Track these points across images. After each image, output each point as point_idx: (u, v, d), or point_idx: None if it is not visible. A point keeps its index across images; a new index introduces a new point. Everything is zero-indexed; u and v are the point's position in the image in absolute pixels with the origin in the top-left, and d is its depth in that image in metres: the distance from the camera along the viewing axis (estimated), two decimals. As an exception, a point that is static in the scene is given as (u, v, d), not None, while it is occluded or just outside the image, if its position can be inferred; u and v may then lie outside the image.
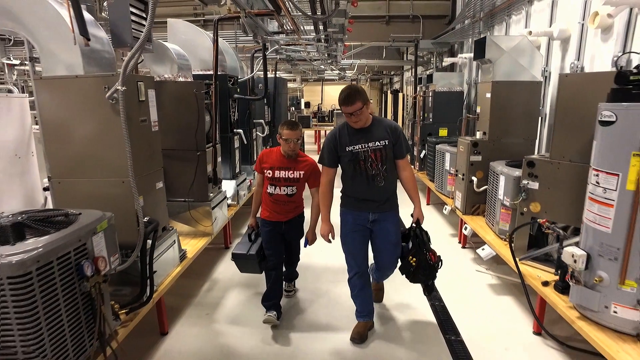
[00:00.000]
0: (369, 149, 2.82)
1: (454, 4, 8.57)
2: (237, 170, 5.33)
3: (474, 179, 4.58)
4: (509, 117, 4.46)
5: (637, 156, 2.16)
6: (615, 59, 3.07)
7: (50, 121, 2.62)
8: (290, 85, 16.15)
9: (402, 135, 2.91)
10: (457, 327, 3.30)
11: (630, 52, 2.91)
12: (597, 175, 2.42)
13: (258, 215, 3.44)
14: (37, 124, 3.11)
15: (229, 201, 4.96)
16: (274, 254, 3.31)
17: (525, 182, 3.36)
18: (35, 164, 3.59)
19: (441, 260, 3.05)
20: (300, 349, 3.04)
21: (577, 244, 2.63)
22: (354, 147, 2.84)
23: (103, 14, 2.80)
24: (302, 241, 3.40)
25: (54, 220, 2.11)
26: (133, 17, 2.80)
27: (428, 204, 6.96)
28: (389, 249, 3.03)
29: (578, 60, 4.26)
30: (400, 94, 13.48)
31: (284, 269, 3.51)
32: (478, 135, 4.70)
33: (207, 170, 4.08)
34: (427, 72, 9.13)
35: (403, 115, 12.72)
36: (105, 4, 2.82)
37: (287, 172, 3.21)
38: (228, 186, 4.97)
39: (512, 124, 4.48)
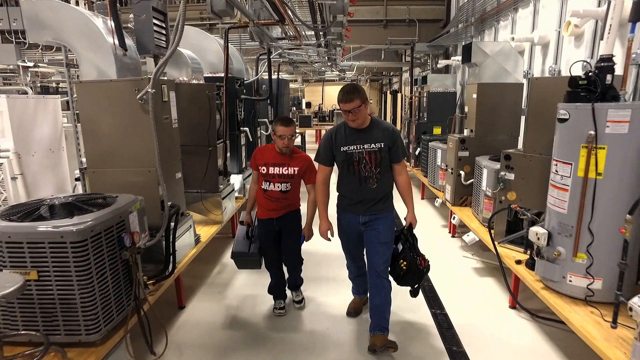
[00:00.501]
0: (364, 150, 2.80)
1: (449, 8, 8.98)
2: (244, 165, 5.75)
3: (462, 172, 4.99)
4: (494, 116, 4.86)
5: (585, 148, 2.57)
6: (551, 66, 3.45)
7: (87, 119, 3.04)
8: (291, 85, 16.56)
9: (399, 139, 2.88)
10: (442, 303, 3.71)
11: (582, 61, 3.31)
12: (556, 165, 2.84)
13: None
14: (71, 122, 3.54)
15: (236, 194, 5.38)
16: (271, 254, 3.40)
17: (502, 173, 3.77)
18: (65, 158, 4.04)
19: (429, 266, 3.01)
20: (305, 318, 3.46)
21: (542, 226, 3.05)
22: (348, 148, 2.82)
23: (130, 25, 3.20)
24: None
25: (95, 202, 2.53)
26: (155, 28, 3.22)
27: (422, 198, 7.38)
28: (377, 249, 2.93)
29: (555, 64, 4.67)
30: (399, 94, 13.90)
31: (285, 272, 3.59)
32: (466, 132, 5.11)
33: (218, 164, 4.49)
34: (424, 74, 9.54)
35: (401, 114, 13.13)
36: (130, 16, 3.24)
37: (281, 168, 3.21)
38: (235, 180, 5.39)
39: (496, 122, 4.88)
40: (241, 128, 5.55)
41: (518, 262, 3.44)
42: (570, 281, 2.79)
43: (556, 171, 2.84)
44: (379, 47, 9.23)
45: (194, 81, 4.38)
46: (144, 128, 2.97)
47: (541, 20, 5.12)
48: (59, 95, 3.91)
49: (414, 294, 3.07)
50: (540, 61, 5.14)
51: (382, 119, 21.97)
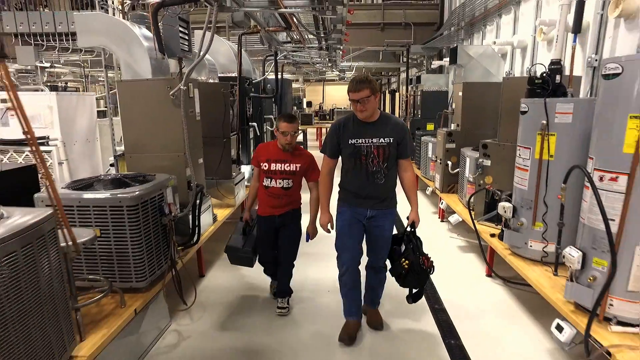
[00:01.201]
0: (372, 144, 2.75)
1: (442, 12, 9.55)
2: (252, 156, 6.33)
3: (449, 163, 5.55)
4: (478, 112, 5.42)
5: (539, 135, 3.13)
6: (528, 68, 4.00)
7: (126, 112, 3.60)
8: (293, 85, 17.14)
9: (408, 135, 2.84)
10: (430, 277, 4.25)
11: (537, 64, 3.86)
12: (520, 150, 3.40)
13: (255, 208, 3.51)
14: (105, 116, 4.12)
15: (246, 182, 5.95)
16: (267, 252, 3.44)
17: (480, 160, 4.34)
18: (99, 147, 4.61)
19: (434, 267, 2.91)
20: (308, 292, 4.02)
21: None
22: (357, 141, 2.76)
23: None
24: (304, 236, 3.32)
25: (138, 179, 3.10)
26: (180, 34, 3.79)
27: (417, 188, 7.94)
28: (380, 244, 2.95)
29: (532, 65, 5.24)
30: (397, 94, 14.50)
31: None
32: (453, 126, 5.68)
33: (231, 154, 5.06)
34: (419, 74, 10.11)
35: (399, 112, 13.73)
36: (160, 24, 3.80)
37: (283, 164, 3.20)
38: (245, 169, 5.96)
39: (480, 117, 5.44)
40: (250, 123, 6.12)
41: (492, 235, 4.00)
42: (530, 246, 3.35)
43: (519, 155, 3.41)
44: (376, 49, 9.80)
45: (211, 80, 4.94)
46: (174, 120, 3.54)
47: (520, 26, 5.70)
48: (94, 93, 4.48)
49: (416, 298, 2.96)
50: (520, 62, 5.71)
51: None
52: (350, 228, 2.93)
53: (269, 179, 3.25)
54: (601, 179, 2.36)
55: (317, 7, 3.24)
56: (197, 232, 3.69)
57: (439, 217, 6.09)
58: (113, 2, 4.13)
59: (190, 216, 3.62)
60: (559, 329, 2.58)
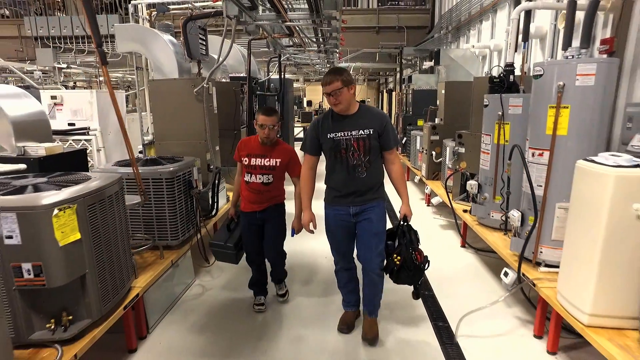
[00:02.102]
0: (351, 137, 2.68)
1: (433, 17, 10.26)
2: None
3: (433, 153, 6.27)
4: (458, 107, 6.11)
5: (497, 124, 3.84)
6: (490, 69, 4.69)
7: (156, 105, 4.31)
8: (294, 85, 17.85)
9: (389, 125, 2.75)
10: (411, 245, 4.98)
11: (505, 65, 4.56)
12: (483, 137, 4.12)
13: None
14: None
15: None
16: (252, 248, 3.36)
17: (456, 148, 5.05)
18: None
19: (428, 261, 2.87)
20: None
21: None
22: (335, 135, 2.70)
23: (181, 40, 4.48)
24: (289, 232, 3.24)
25: (169, 160, 3.81)
26: (200, 41, 4.51)
27: (408, 179, 8.67)
28: (370, 242, 2.82)
29: (492, 67, 5.95)
30: (394, 93, 15.20)
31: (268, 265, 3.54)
32: (437, 121, 6.39)
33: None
34: (411, 74, 10.82)
35: (395, 110, 14.44)
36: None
37: (262, 159, 3.15)
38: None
39: (459, 112, 6.13)
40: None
41: (465, 211, 4.72)
42: (492, 216, 4.06)
43: (483, 141, 4.12)
44: (372, 50, 10.52)
45: (223, 80, 5.66)
46: (196, 112, 4.25)
47: (497, 31, 6.41)
48: (124, 90, 5.20)
49: (415, 295, 2.94)
50: (496, 64, 6.42)
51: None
52: (336, 230, 2.89)
53: (250, 174, 3.20)
54: (533, 154, 3.08)
55: (315, 19, 3.94)
56: (215, 206, 4.40)
57: (426, 202, 6.81)
58: (143, 13, 4.84)
59: (210, 193, 4.34)
60: (505, 274, 3.29)
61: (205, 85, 4.02)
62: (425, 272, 2.89)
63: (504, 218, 3.91)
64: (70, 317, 2.23)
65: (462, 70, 6.19)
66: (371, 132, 2.69)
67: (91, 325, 2.33)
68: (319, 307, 3.55)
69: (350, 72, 15.58)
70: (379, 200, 2.84)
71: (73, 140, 4.60)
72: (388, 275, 2.89)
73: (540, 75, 2.94)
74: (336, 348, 2.97)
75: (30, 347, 2.12)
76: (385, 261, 2.88)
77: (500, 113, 3.78)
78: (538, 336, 3.03)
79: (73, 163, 3.64)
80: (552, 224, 2.98)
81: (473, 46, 6.31)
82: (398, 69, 11.85)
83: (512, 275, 3.22)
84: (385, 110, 17.52)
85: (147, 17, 4.83)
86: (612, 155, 2.29)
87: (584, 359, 2.76)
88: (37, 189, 2.18)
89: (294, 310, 3.52)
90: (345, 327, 3.09)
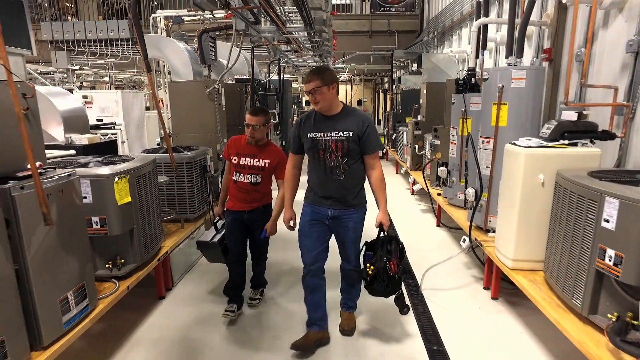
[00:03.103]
0: (330, 138, 2.64)
1: (422, 22, 11.02)
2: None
3: (417, 146, 7.02)
4: (437, 105, 6.87)
5: (461, 118, 4.59)
6: (463, 71, 5.40)
7: (175, 103, 5.07)
8: (293, 85, 18.61)
9: (371, 129, 2.68)
10: (396, 229, 5.72)
11: (467, 69, 5.29)
12: (452, 130, 4.87)
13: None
14: (147, 109, 5.59)
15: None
16: (235, 246, 3.29)
17: (432, 140, 5.81)
18: (146, 132, 6.08)
19: (406, 273, 2.85)
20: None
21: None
22: (315, 135, 2.68)
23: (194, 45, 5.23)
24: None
25: (187, 148, 4.56)
26: (210, 48, 5.26)
27: (397, 172, 9.44)
28: (347, 245, 2.83)
29: (459, 71, 6.67)
30: (388, 93, 15.97)
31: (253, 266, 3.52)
32: (420, 117, 7.15)
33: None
34: (403, 75, 11.58)
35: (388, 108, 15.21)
36: (195, 40, 5.27)
37: (252, 159, 3.15)
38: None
39: (439, 110, 6.88)
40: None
41: (438, 194, 5.47)
42: (458, 197, 4.82)
43: (451, 133, 4.88)
44: (365, 53, 11.27)
45: (229, 81, 6.41)
46: (208, 109, 5.01)
47: (474, 37, 7.14)
48: (144, 90, 5.94)
49: (401, 310, 2.84)
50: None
51: (376, 114, 24.10)
52: (310, 228, 2.82)
53: (238, 174, 3.20)
54: (482, 142, 3.83)
55: (309, 31, 4.68)
56: (224, 190, 5.15)
57: (410, 192, 7.57)
58: (161, 24, 5.59)
59: (220, 178, 5.08)
60: (463, 241, 4.04)
61: (216, 86, 4.77)
62: (404, 250, 2.83)
63: (465, 197, 4.67)
64: (122, 261, 2.98)
65: (443, 73, 6.93)
66: (350, 135, 2.64)
67: (136, 268, 3.08)
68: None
69: (346, 72, 16.44)
70: (358, 208, 2.81)
71: (101, 133, 5.35)
72: (364, 285, 2.85)
73: (487, 79, 3.69)
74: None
75: (96, 281, 2.87)
76: (362, 265, 2.85)
77: (463, 109, 4.53)
78: (486, 287, 3.78)
79: (107, 150, 4.39)
80: (497, 197, 3.74)
81: (452, 51, 7.05)
82: (394, 70, 12.60)
83: (467, 241, 3.98)
84: (381, 109, 18.28)
85: (165, 27, 5.58)
86: (528, 139, 3.04)
87: (516, 301, 3.52)
88: (98, 165, 2.94)
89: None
90: (300, 346, 2.80)
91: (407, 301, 2.98)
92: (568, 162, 2.82)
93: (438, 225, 5.67)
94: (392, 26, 11.14)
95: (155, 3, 11.22)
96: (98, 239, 2.86)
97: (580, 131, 2.94)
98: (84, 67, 11.93)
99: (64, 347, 2.25)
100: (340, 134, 2.65)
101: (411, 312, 3.43)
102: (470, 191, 3.99)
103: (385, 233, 2.82)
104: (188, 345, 3.01)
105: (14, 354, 1.93)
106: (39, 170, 2.24)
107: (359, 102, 24.12)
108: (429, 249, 4.83)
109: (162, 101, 8.69)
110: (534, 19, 4.68)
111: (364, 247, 2.85)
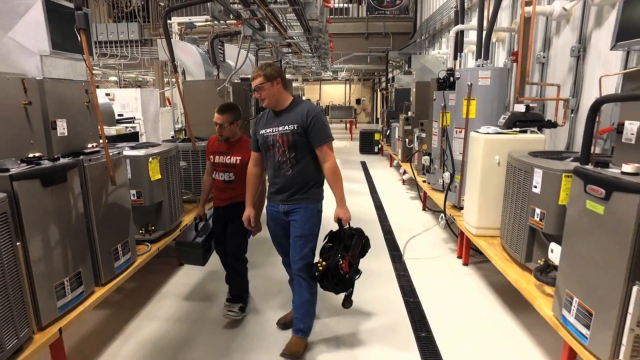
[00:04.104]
0: (277, 133, 2.61)
1: (415, 24, 11.66)
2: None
3: (407, 140, 7.66)
4: (424, 102, 7.50)
5: (441, 112, 5.22)
6: (443, 71, 6.03)
7: (189, 100, 5.70)
8: (293, 84, 19.28)
9: (316, 120, 2.59)
10: (387, 214, 6.35)
11: (447, 70, 5.90)
12: (433, 123, 5.51)
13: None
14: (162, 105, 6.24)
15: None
16: (219, 235, 3.33)
17: (419, 133, 6.45)
18: (160, 126, 6.73)
19: (359, 273, 2.72)
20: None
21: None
22: (265, 131, 2.67)
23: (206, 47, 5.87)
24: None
25: (199, 139, 5.20)
26: (219, 50, 5.90)
27: (391, 166, 10.08)
28: (295, 243, 2.72)
29: (439, 71, 7.32)
30: (384, 92, 16.63)
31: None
32: (409, 113, 7.79)
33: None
34: (397, 75, 12.22)
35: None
36: (206, 43, 5.90)
37: (224, 157, 3.18)
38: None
39: (427, 106, 7.52)
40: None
41: (424, 181, 6.12)
42: (440, 182, 5.46)
43: (434, 126, 5.52)
44: (362, 54, 11.92)
45: (236, 80, 7.05)
46: (218, 105, 5.63)
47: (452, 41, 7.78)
48: (157, 88, 6.57)
49: (345, 303, 2.74)
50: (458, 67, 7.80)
51: (373, 112, 24.78)
52: (274, 230, 2.87)
53: (215, 172, 3.25)
54: (456, 132, 4.48)
55: (307, 36, 5.32)
56: (232, 177, 5.79)
57: (402, 182, 8.22)
58: (175, 29, 6.22)
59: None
60: (441, 218, 4.69)
61: (225, 85, 5.41)
62: (393, 228, 3.22)
63: (442, 180, 5.31)
64: (153, 227, 3.62)
65: (430, 73, 7.55)
66: (295, 128, 2.59)
67: (164, 234, 3.73)
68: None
69: (344, 72, 17.11)
70: (307, 202, 2.71)
71: (124, 127, 5.99)
72: (313, 280, 2.72)
73: (459, 78, 4.33)
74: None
75: (131, 243, 3.51)
76: (309, 264, 2.73)
77: (442, 105, 5.17)
78: (459, 257, 4.42)
79: (131, 140, 5.04)
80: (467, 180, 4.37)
81: (439, 52, 7.67)
82: (391, 69, 13.24)
83: (443, 216, 4.63)
84: (379, 107, 18.96)
85: (178, 32, 6.21)
86: (487, 127, 3.68)
87: (483, 266, 4.15)
88: (133, 149, 3.58)
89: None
90: (282, 323, 3.07)
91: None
92: (519, 146, 3.45)
93: (424, 209, 6.32)
94: (387, 28, 11.78)
95: (162, 4, 11.85)
96: (134, 209, 3.49)
97: (529, 120, 3.58)
98: (94, 67, 12.55)
99: (115, 287, 2.89)
100: (286, 127, 2.61)
101: (394, 274, 4.08)
102: (446, 174, 4.64)
103: (349, 228, 2.75)
104: (205, 294, 3.70)
105: (85, 284, 2.57)
106: (97, 149, 2.89)
107: (358, 101, 24.81)
108: (414, 228, 5.47)
109: (168, 100, 9.37)
110: (505, 26, 5.34)
111: (326, 237, 2.78)
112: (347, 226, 2.74)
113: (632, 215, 1.74)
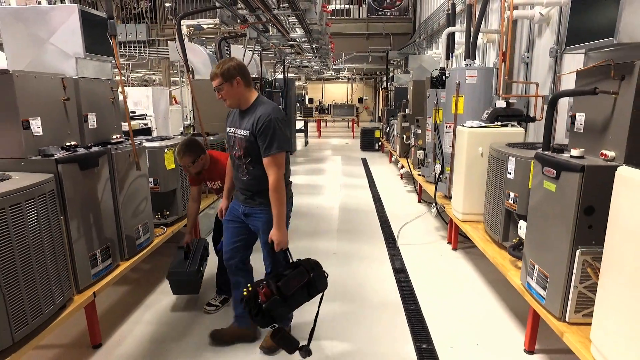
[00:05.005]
0: (237, 135, 2.50)
1: (414, 25, 11.99)
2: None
3: (404, 136, 8.01)
4: (422, 100, 7.84)
5: (434, 109, 5.57)
6: (436, 70, 6.37)
7: (198, 97, 6.07)
8: (297, 83, 19.65)
9: (266, 128, 2.33)
10: (384, 206, 6.71)
11: (440, 69, 6.23)
12: (427, 119, 5.86)
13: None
14: (171, 103, 6.62)
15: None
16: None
17: (414, 129, 6.80)
18: (170, 122, 7.11)
19: (276, 302, 2.20)
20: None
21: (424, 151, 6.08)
22: (230, 130, 2.60)
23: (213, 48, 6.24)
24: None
25: (208, 134, 5.57)
26: (225, 50, 6.27)
27: (390, 162, 10.43)
28: (262, 246, 2.61)
29: (433, 70, 7.67)
30: (384, 90, 16.96)
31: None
32: (407, 111, 8.13)
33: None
34: (397, 74, 12.56)
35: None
36: (213, 44, 6.27)
37: (210, 183, 3.52)
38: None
39: (422, 104, 7.86)
40: None
41: (419, 174, 6.47)
42: (433, 175, 5.81)
43: (427, 122, 5.87)
44: (362, 54, 12.26)
45: (241, 79, 7.43)
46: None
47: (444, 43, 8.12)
48: (166, 87, 6.94)
49: (272, 335, 2.32)
50: (453, 67, 8.15)
51: (376, 110, 25.10)
52: (227, 224, 2.77)
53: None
54: (446, 127, 4.82)
55: (309, 38, 5.67)
56: (238, 170, 6.16)
57: (400, 177, 8.57)
58: (184, 30, 6.59)
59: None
60: (432, 207, 5.04)
61: (232, 83, 5.79)
62: (389, 217, 3.35)
63: (434, 172, 5.66)
64: (167, 212, 3.99)
65: (427, 72, 7.89)
66: (247, 135, 2.40)
67: (177, 219, 4.10)
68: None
69: (345, 71, 17.45)
70: (262, 208, 2.51)
71: (136, 122, 6.36)
72: None
73: (448, 77, 4.68)
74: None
75: (149, 226, 3.87)
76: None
77: (435, 102, 5.52)
78: (449, 242, 4.77)
79: (144, 135, 5.41)
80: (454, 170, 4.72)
81: (434, 52, 8.01)
82: (392, 69, 13.56)
83: (434, 205, 4.98)
84: (381, 106, 19.29)
85: (187, 33, 6.58)
86: (472, 122, 4.03)
87: (470, 251, 4.50)
88: (149, 141, 3.95)
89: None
90: (216, 339, 2.87)
91: (301, 344, 2.33)
92: (499, 138, 3.80)
93: (419, 201, 6.67)
94: (387, 29, 12.12)
95: (168, 5, 12.22)
96: (152, 195, 3.87)
97: (510, 115, 3.92)
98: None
99: (137, 262, 3.26)
100: (242, 132, 2.45)
101: (389, 259, 4.44)
102: (437, 166, 4.99)
103: (289, 255, 2.45)
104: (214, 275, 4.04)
105: (113, 257, 2.94)
106: (120, 140, 3.27)
107: (360, 100, 25.15)
108: (407, 217, 5.82)
109: (174, 99, 9.73)
110: (495, 28, 5.68)
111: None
112: (296, 259, 2.42)
113: (574, 190, 2.09)
